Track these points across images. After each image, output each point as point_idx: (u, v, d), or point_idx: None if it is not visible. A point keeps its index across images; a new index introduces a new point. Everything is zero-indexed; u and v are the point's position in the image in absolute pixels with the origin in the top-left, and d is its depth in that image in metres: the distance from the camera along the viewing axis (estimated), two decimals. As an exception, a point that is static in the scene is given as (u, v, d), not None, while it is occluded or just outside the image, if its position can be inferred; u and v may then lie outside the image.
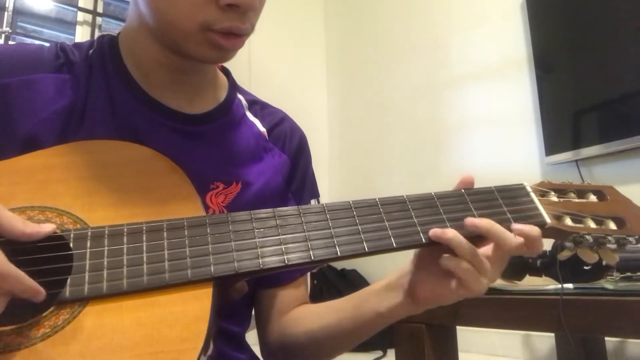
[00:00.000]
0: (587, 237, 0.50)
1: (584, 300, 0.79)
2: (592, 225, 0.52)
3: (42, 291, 0.39)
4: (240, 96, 0.68)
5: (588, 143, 1.75)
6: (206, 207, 0.57)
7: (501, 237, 0.47)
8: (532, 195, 0.53)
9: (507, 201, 0.52)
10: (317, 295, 2.41)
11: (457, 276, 0.47)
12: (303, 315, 0.64)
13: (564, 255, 0.52)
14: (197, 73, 0.62)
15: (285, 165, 0.67)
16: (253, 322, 0.68)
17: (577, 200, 0.55)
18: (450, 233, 0.47)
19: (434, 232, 0.48)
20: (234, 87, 0.68)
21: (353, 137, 2.90)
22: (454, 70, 2.36)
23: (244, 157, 0.63)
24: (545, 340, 1.82)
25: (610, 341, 1.55)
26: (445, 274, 0.49)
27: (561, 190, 0.55)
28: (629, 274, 0.87)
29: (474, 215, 0.50)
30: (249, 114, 0.67)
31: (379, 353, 2.13)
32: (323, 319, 0.60)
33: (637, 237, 0.51)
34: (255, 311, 0.68)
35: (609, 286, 0.82)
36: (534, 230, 0.48)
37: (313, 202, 0.70)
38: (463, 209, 0.51)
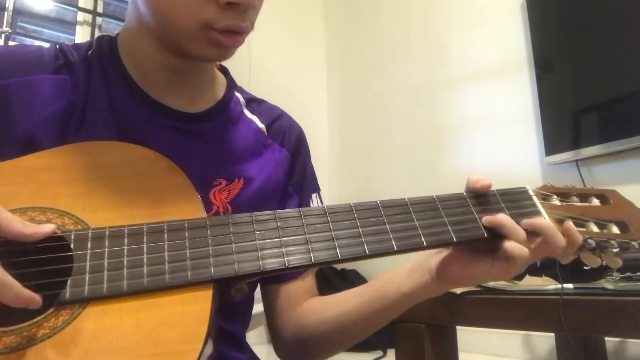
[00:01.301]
0: (590, 241, 0.50)
1: (584, 300, 0.79)
2: (595, 229, 0.52)
3: (37, 299, 0.38)
4: (237, 94, 0.69)
5: (588, 143, 1.75)
6: (210, 204, 0.58)
7: (553, 235, 0.49)
8: (535, 198, 0.53)
9: (509, 205, 0.52)
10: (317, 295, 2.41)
11: (510, 256, 0.48)
12: (319, 305, 0.64)
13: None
14: (195, 72, 0.62)
15: (286, 160, 0.68)
16: (253, 321, 0.68)
17: (579, 204, 0.54)
18: (503, 217, 0.49)
19: (487, 219, 0.50)
20: (231, 85, 0.68)
21: (353, 137, 2.90)
22: (454, 70, 2.36)
23: (245, 154, 0.64)
24: (545, 340, 1.82)
25: (610, 341, 1.55)
26: (477, 253, 0.51)
27: (564, 194, 0.55)
28: (629, 274, 0.87)
29: (476, 219, 0.50)
30: (246, 112, 0.68)
31: (379, 353, 2.13)
32: (342, 304, 0.61)
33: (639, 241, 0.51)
34: (264, 307, 0.68)
35: (609, 286, 0.81)
36: (539, 221, 0.49)
37: (314, 196, 0.70)
38: (465, 212, 0.51)
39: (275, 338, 0.67)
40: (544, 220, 0.50)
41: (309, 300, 0.66)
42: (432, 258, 0.54)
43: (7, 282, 0.37)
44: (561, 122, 1.87)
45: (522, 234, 0.49)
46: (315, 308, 0.64)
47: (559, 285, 0.85)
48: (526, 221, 0.50)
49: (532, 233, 0.50)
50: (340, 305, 0.61)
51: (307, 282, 0.67)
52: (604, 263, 0.52)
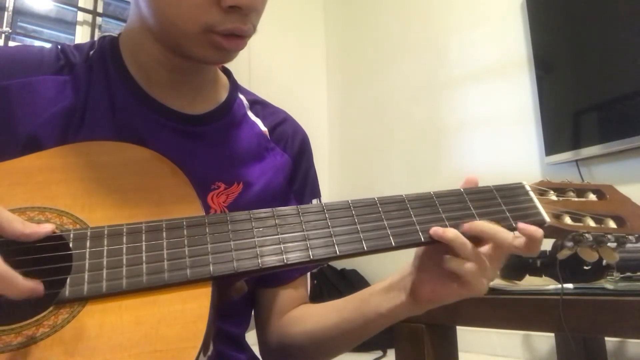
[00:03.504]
0: (587, 235, 0.50)
1: (584, 300, 0.79)
2: (592, 224, 0.52)
3: (39, 287, 0.38)
4: (241, 96, 0.68)
5: (588, 143, 1.75)
6: (208, 208, 0.58)
7: (499, 236, 0.47)
8: (531, 194, 0.53)
9: (506, 200, 0.52)
10: (317, 295, 2.41)
11: (461, 276, 0.47)
12: (303, 315, 0.64)
13: (564, 254, 0.52)
14: (198, 74, 0.62)
15: (287, 166, 0.67)
16: (253, 322, 0.68)
17: (576, 199, 0.54)
18: (451, 233, 0.47)
19: (435, 230, 0.48)
20: (235, 87, 0.68)
21: (353, 137, 2.90)
22: (454, 70, 2.36)
23: (246, 157, 0.63)
24: (545, 340, 1.82)
25: (610, 341, 1.55)
26: (447, 275, 0.49)
27: (560, 189, 0.55)
28: (629, 274, 0.87)
29: (473, 215, 0.50)
30: (250, 114, 0.67)
31: (379, 353, 2.13)
32: (323, 319, 0.60)
33: (636, 235, 0.51)
34: (254, 310, 0.68)
35: (609, 286, 0.82)
36: (537, 232, 0.47)
37: (314, 201, 0.70)
38: (462, 208, 0.51)
39: (261, 342, 0.67)
40: (479, 223, 0.49)
41: (296, 308, 0.65)
42: (407, 278, 0.53)
43: (10, 275, 0.37)
44: (561, 122, 1.87)
45: (469, 247, 0.47)
46: (299, 318, 0.63)
47: (559, 285, 0.85)
48: (465, 226, 0.49)
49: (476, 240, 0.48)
50: (322, 320, 0.60)
51: (299, 291, 0.67)
52: (603, 262, 0.52)
